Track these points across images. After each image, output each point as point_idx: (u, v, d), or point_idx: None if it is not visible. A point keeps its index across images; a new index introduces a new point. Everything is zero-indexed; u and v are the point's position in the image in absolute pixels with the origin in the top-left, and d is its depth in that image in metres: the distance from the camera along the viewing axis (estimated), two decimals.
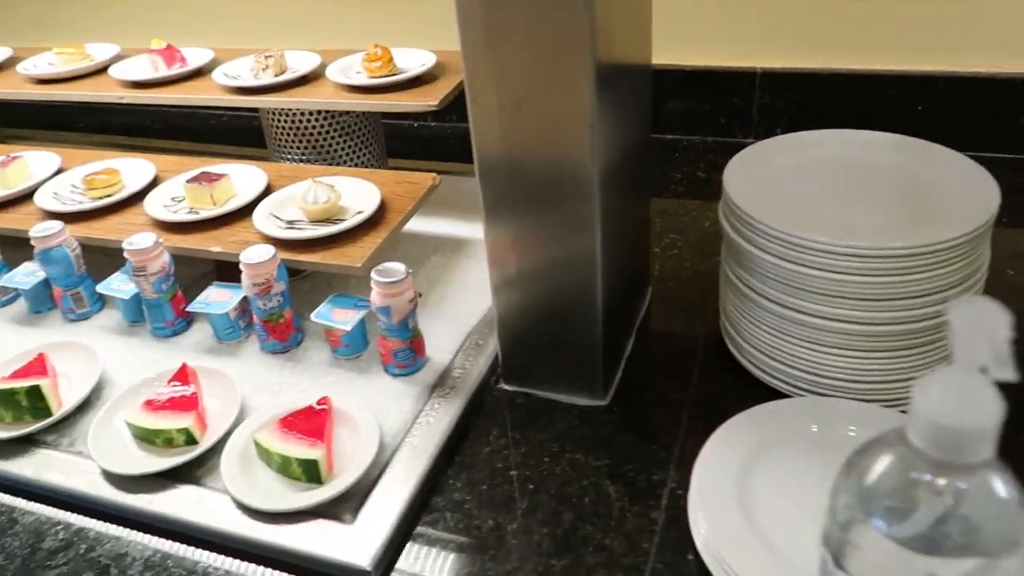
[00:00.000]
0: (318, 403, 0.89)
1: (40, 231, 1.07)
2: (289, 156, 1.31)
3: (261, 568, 0.77)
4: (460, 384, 0.95)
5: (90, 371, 0.99)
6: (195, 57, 1.39)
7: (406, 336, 0.94)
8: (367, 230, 1.04)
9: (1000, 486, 0.42)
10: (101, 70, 1.43)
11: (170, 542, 0.81)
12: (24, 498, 0.88)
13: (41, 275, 1.13)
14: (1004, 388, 0.42)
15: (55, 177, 1.27)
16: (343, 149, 1.30)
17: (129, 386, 0.96)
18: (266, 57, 1.25)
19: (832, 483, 0.46)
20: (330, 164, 1.30)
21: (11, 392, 0.93)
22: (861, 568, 0.44)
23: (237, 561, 0.78)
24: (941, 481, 0.42)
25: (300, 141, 1.29)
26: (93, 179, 1.19)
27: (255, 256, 0.96)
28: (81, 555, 0.81)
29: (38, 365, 0.98)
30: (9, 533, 0.84)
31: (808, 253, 0.80)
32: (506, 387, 0.95)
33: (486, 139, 0.78)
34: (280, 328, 1.00)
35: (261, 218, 1.07)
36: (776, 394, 0.88)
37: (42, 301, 1.15)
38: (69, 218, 1.14)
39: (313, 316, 0.98)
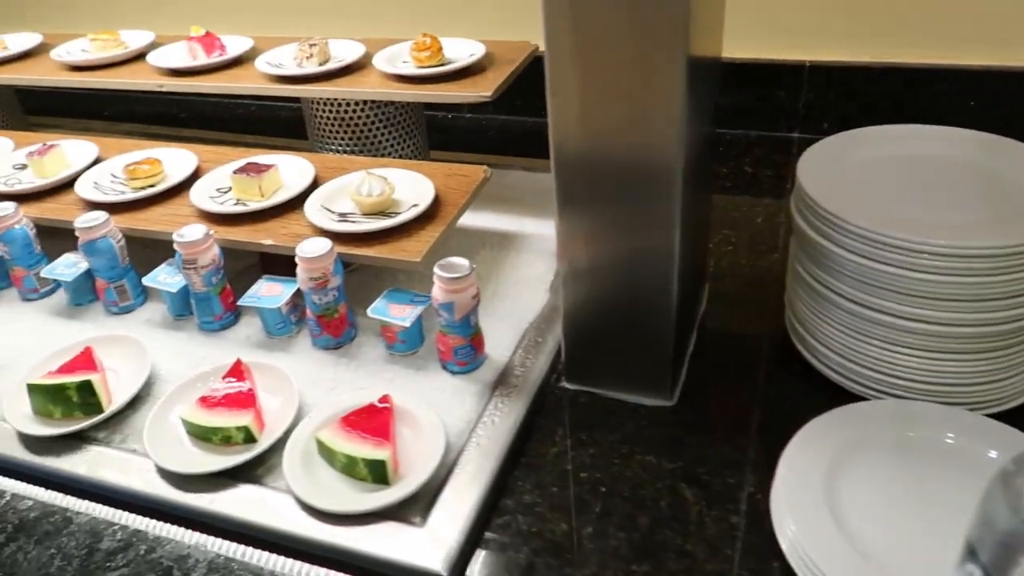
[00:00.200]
0: (380, 401, 0.86)
1: (85, 222, 1.05)
2: (332, 147, 1.29)
3: (330, 572, 0.75)
4: (522, 383, 0.92)
5: (139, 366, 0.97)
6: (234, 45, 1.36)
7: (467, 333, 0.92)
8: (422, 224, 1.02)
9: None
10: (136, 57, 1.41)
11: (233, 544, 0.79)
12: (77, 496, 0.86)
13: (84, 266, 1.10)
14: None
15: (94, 167, 1.25)
16: (388, 140, 1.27)
17: (180, 382, 0.94)
18: (310, 45, 1.23)
19: (982, 496, 0.44)
20: (374, 156, 1.27)
21: (61, 387, 0.90)
22: None
23: (305, 564, 0.76)
24: None
25: (344, 132, 1.26)
26: (135, 169, 1.16)
27: (312, 249, 0.94)
28: (141, 556, 0.78)
29: (86, 359, 0.96)
30: (64, 533, 0.82)
31: (890, 251, 0.77)
32: (567, 386, 0.93)
33: (565, 132, 0.75)
34: (334, 323, 0.98)
35: (313, 210, 1.05)
36: (847, 394, 0.86)
37: (84, 293, 1.13)
38: (111, 208, 1.12)
39: (369, 311, 0.96)
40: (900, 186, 0.86)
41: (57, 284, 1.15)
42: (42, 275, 1.12)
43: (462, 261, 0.90)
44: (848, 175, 0.87)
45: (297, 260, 0.94)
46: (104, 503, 0.85)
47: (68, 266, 1.11)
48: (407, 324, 0.93)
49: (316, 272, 0.94)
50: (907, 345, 0.81)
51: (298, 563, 0.76)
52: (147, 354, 0.98)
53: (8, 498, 0.86)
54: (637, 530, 0.76)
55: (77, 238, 1.06)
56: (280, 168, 1.14)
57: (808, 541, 0.68)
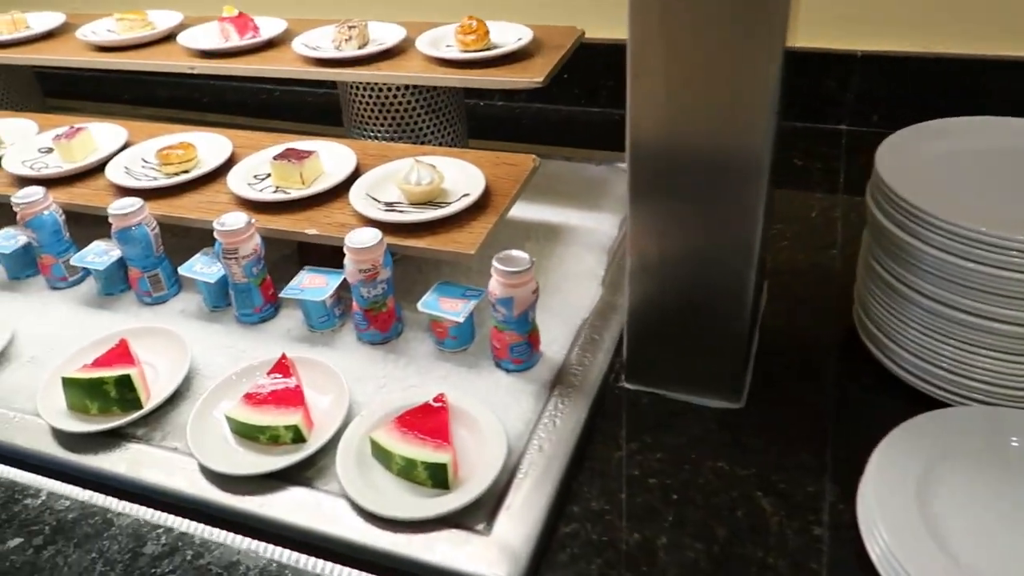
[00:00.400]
0: (435, 400, 0.82)
1: (120, 208, 1.00)
2: (370, 133, 1.24)
3: None
4: (581, 382, 0.88)
5: (178, 359, 0.93)
6: (268, 27, 1.31)
7: (525, 330, 0.88)
8: (473, 214, 0.97)
9: None
10: (165, 38, 1.36)
11: (285, 550, 0.74)
12: (117, 496, 0.82)
13: (116, 255, 1.06)
14: None
15: (123, 151, 1.20)
16: (429, 127, 1.23)
17: (222, 377, 0.90)
18: (349, 28, 1.18)
19: None
20: (414, 143, 1.23)
21: (100, 382, 0.86)
22: None
23: (364, 574, 0.72)
24: None
25: (384, 118, 1.22)
26: (168, 154, 1.12)
27: (361, 240, 0.90)
28: (188, 562, 0.74)
29: (122, 352, 0.91)
30: (106, 536, 0.78)
31: (979, 247, 0.73)
32: (628, 386, 0.89)
33: (645, 120, 0.71)
34: (382, 317, 0.94)
35: (358, 199, 1.00)
36: (926, 399, 0.82)
37: (115, 282, 1.08)
38: (144, 195, 1.07)
39: (420, 305, 0.91)
40: (980, 180, 0.82)
41: (86, 272, 1.11)
42: (72, 263, 1.07)
43: (522, 254, 0.85)
44: (927, 168, 0.83)
45: (346, 251, 0.90)
46: (146, 504, 0.80)
47: (99, 254, 1.07)
48: (460, 319, 0.89)
49: (365, 264, 0.90)
50: (990, 347, 0.77)
51: (356, 572, 0.72)
52: (186, 347, 0.94)
53: (44, 497, 0.82)
54: (715, 542, 0.71)
55: (109, 224, 1.02)
56: (320, 154, 1.09)
57: (903, 554, 0.64)
